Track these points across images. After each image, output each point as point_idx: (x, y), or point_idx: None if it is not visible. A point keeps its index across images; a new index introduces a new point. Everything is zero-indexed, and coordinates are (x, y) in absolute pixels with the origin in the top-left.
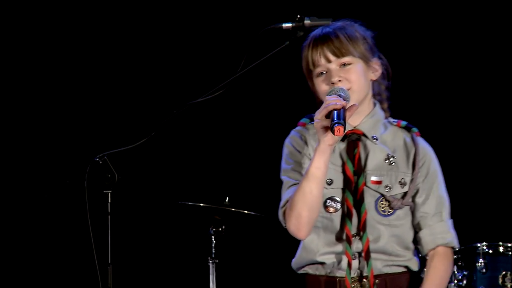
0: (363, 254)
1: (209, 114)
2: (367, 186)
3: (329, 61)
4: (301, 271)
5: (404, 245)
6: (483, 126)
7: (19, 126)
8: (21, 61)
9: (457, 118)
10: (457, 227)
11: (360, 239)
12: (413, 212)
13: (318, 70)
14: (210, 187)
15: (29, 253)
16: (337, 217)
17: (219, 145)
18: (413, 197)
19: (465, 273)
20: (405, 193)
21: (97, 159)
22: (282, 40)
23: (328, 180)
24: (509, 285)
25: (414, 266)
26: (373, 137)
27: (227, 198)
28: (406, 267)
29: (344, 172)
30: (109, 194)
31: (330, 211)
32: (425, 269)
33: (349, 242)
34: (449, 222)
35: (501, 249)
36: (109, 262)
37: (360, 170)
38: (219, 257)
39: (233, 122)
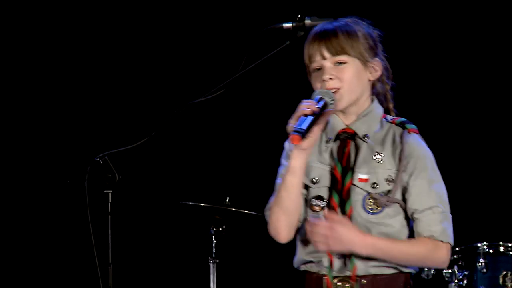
0: (346, 253)
1: (209, 114)
2: (354, 184)
3: (324, 58)
4: (301, 268)
5: None
6: (484, 126)
7: (19, 126)
8: (21, 61)
9: (458, 118)
10: (458, 227)
11: None
12: (405, 210)
13: (314, 65)
14: (210, 187)
15: (30, 253)
16: (323, 216)
17: (219, 145)
18: (403, 194)
19: (466, 273)
20: (391, 190)
21: (98, 159)
22: (282, 40)
23: (314, 179)
24: (509, 285)
25: (406, 268)
26: (365, 135)
27: (228, 198)
28: (398, 269)
29: (332, 171)
30: (110, 194)
31: (316, 209)
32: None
33: None
34: (442, 216)
35: (501, 249)
36: (110, 262)
37: (348, 168)
38: (220, 257)
39: (233, 122)
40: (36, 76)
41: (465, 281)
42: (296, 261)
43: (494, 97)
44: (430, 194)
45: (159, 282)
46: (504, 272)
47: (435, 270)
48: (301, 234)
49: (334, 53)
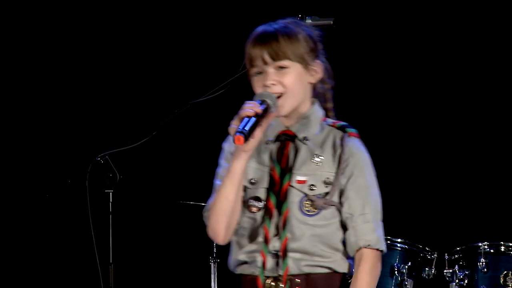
0: (280, 253)
1: (210, 113)
2: (291, 186)
3: (265, 63)
4: (236, 271)
5: (330, 246)
6: (484, 126)
7: (20, 126)
8: (22, 61)
9: (458, 118)
10: (459, 227)
11: (279, 238)
12: (340, 213)
13: (255, 70)
14: (211, 186)
15: (31, 252)
16: (260, 217)
17: (220, 145)
18: (340, 197)
19: (467, 272)
20: (328, 193)
21: (99, 159)
22: None
23: (252, 180)
24: (510, 285)
25: (340, 267)
26: (304, 137)
27: None
28: (332, 269)
29: (270, 172)
30: (111, 193)
31: (253, 210)
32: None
33: (266, 241)
34: (375, 224)
35: (502, 248)
36: (111, 261)
37: (287, 170)
38: (221, 257)
39: None
40: (36, 76)
41: (466, 281)
42: (231, 262)
43: (494, 97)
44: (366, 199)
45: (160, 281)
46: (505, 272)
47: (436, 269)
48: (238, 235)
49: (276, 58)
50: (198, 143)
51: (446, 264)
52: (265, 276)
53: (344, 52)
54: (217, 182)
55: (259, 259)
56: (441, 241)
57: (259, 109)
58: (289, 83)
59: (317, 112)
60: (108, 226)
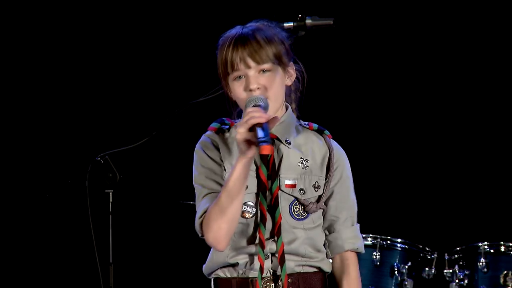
0: (277, 256)
1: (210, 113)
2: (281, 190)
3: (248, 66)
4: (212, 276)
5: (315, 248)
6: (484, 126)
7: (20, 126)
8: (22, 62)
9: (458, 118)
10: (459, 226)
11: (274, 241)
12: (324, 215)
13: (236, 74)
14: None
15: (31, 252)
16: (252, 222)
17: None
18: (326, 200)
19: (467, 272)
20: (319, 197)
21: (99, 159)
22: None
23: (245, 189)
24: (510, 285)
25: (327, 267)
26: (286, 141)
27: None
28: (318, 267)
29: (258, 176)
30: (111, 193)
31: (246, 216)
32: (336, 275)
33: (262, 246)
34: (357, 227)
35: (502, 248)
36: (111, 261)
37: (274, 174)
38: None
39: None
40: (36, 76)
41: (466, 281)
42: (208, 267)
43: (494, 97)
44: (350, 203)
45: (160, 281)
46: (505, 272)
47: (436, 269)
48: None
49: (259, 61)
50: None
51: (446, 264)
52: (257, 278)
53: (344, 52)
54: (198, 187)
55: (256, 262)
56: (441, 241)
57: (266, 115)
58: (272, 86)
59: (292, 114)
60: (108, 226)
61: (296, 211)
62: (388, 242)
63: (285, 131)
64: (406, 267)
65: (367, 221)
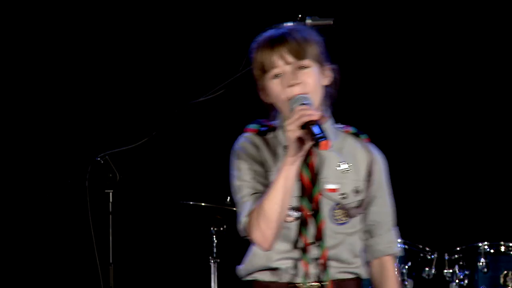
0: (321, 262)
1: (210, 113)
2: (322, 195)
3: (287, 63)
4: (248, 278)
5: (354, 253)
6: (483, 126)
7: (20, 126)
8: (22, 62)
9: (457, 118)
10: (459, 227)
11: (317, 246)
12: (363, 220)
13: (275, 71)
14: (211, 186)
15: (31, 252)
16: (294, 226)
17: (220, 145)
18: (367, 205)
19: (467, 272)
20: (361, 201)
21: (99, 159)
22: None
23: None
24: (510, 285)
25: (364, 273)
26: None
27: (228, 197)
28: (357, 274)
29: (300, 180)
30: (111, 193)
31: (289, 220)
32: (375, 279)
33: (305, 250)
34: (395, 231)
35: (502, 248)
36: (111, 261)
37: (315, 178)
38: (221, 257)
39: (234, 122)
40: (36, 76)
41: (466, 281)
42: (246, 269)
43: (493, 98)
44: (389, 207)
45: (159, 281)
46: (505, 272)
47: (436, 269)
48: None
49: (298, 56)
50: (198, 143)
51: (446, 264)
52: (301, 283)
53: (344, 52)
54: (242, 187)
55: (299, 268)
56: (441, 241)
57: (319, 112)
58: (311, 83)
59: (330, 118)
60: (108, 226)
61: (337, 216)
62: None
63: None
64: (406, 267)
65: None
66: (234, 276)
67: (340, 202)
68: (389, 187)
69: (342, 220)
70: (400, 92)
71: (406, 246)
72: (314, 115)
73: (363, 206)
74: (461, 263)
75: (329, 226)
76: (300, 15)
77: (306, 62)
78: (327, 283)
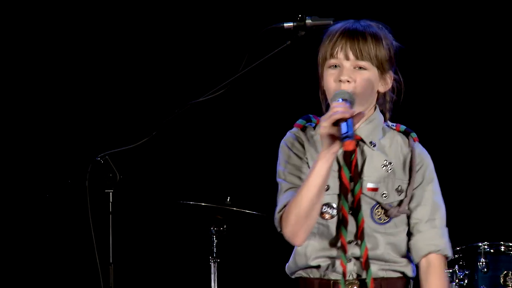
0: (362, 261)
1: (210, 113)
2: (363, 193)
3: (347, 58)
4: (295, 275)
5: (400, 253)
6: (483, 126)
7: (20, 126)
8: (21, 61)
9: (458, 118)
10: (459, 226)
11: (357, 245)
12: (408, 218)
13: (333, 61)
14: (211, 186)
15: (30, 252)
16: (332, 224)
17: (220, 145)
18: (409, 203)
19: (467, 272)
20: (402, 201)
21: (99, 159)
22: (283, 40)
23: (325, 185)
24: (510, 285)
25: (410, 272)
26: (371, 142)
27: (229, 197)
28: (402, 272)
29: (340, 178)
30: (111, 193)
31: (326, 217)
32: (421, 279)
33: (344, 249)
34: (443, 230)
35: (502, 248)
36: (111, 261)
37: (356, 176)
38: (221, 257)
39: (234, 122)
40: (36, 76)
41: (466, 281)
42: (290, 267)
43: (493, 97)
44: (434, 206)
45: (160, 281)
46: (505, 272)
47: None
48: (307, 240)
49: (359, 56)
50: (198, 143)
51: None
52: (342, 280)
53: None
54: (281, 181)
55: (338, 266)
56: None
57: (352, 110)
58: (362, 84)
59: (380, 116)
60: (108, 226)
61: (378, 215)
62: None
63: (371, 132)
64: None
65: None
66: (234, 276)
67: (381, 201)
68: (435, 186)
69: (383, 219)
70: (405, 93)
71: None
72: (347, 112)
73: (403, 205)
74: (461, 263)
75: (369, 225)
76: (300, 15)
77: (364, 63)
78: (368, 281)
